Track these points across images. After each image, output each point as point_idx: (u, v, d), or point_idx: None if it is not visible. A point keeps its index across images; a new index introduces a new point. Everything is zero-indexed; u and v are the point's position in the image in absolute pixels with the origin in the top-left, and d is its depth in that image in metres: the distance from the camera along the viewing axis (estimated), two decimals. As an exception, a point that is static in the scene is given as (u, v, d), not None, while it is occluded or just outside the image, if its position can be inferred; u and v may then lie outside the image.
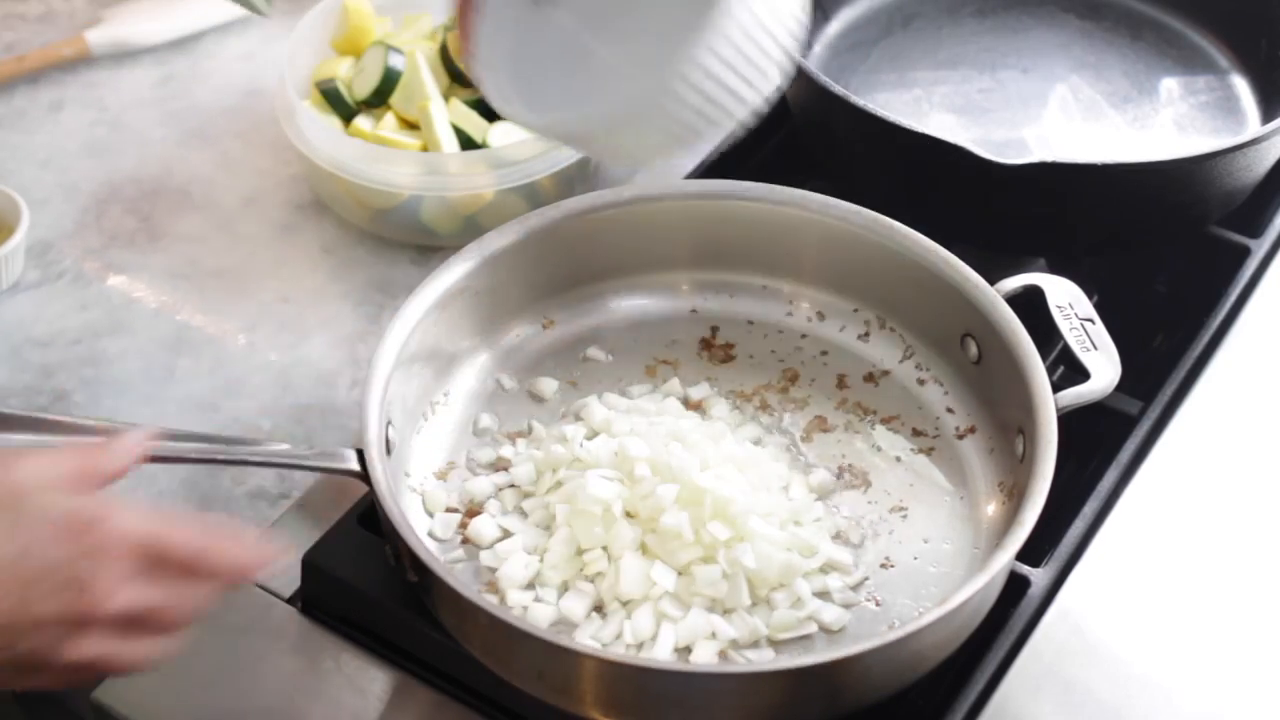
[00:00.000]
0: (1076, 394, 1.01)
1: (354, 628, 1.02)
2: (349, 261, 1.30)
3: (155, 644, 0.84)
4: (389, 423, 1.00)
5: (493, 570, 1.00)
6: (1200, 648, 1.01)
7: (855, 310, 1.15)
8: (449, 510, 1.05)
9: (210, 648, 1.00)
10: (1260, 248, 1.25)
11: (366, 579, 1.00)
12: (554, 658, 0.90)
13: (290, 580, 1.04)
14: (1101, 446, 1.10)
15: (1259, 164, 1.21)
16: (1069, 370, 1.03)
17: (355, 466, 0.96)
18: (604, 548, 0.99)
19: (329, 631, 1.02)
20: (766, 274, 1.17)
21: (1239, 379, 1.17)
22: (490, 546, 1.02)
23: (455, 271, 1.08)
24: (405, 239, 1.31)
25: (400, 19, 1.40)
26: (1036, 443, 0.97)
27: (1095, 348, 1.04)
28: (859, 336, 1.15)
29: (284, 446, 0.97)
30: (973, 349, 1.08)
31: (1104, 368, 1.03)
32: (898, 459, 1.08)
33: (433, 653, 0.99)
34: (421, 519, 1.04)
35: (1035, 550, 0.95)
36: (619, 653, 0.94)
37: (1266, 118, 1.31)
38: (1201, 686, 0.99)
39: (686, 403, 1.11)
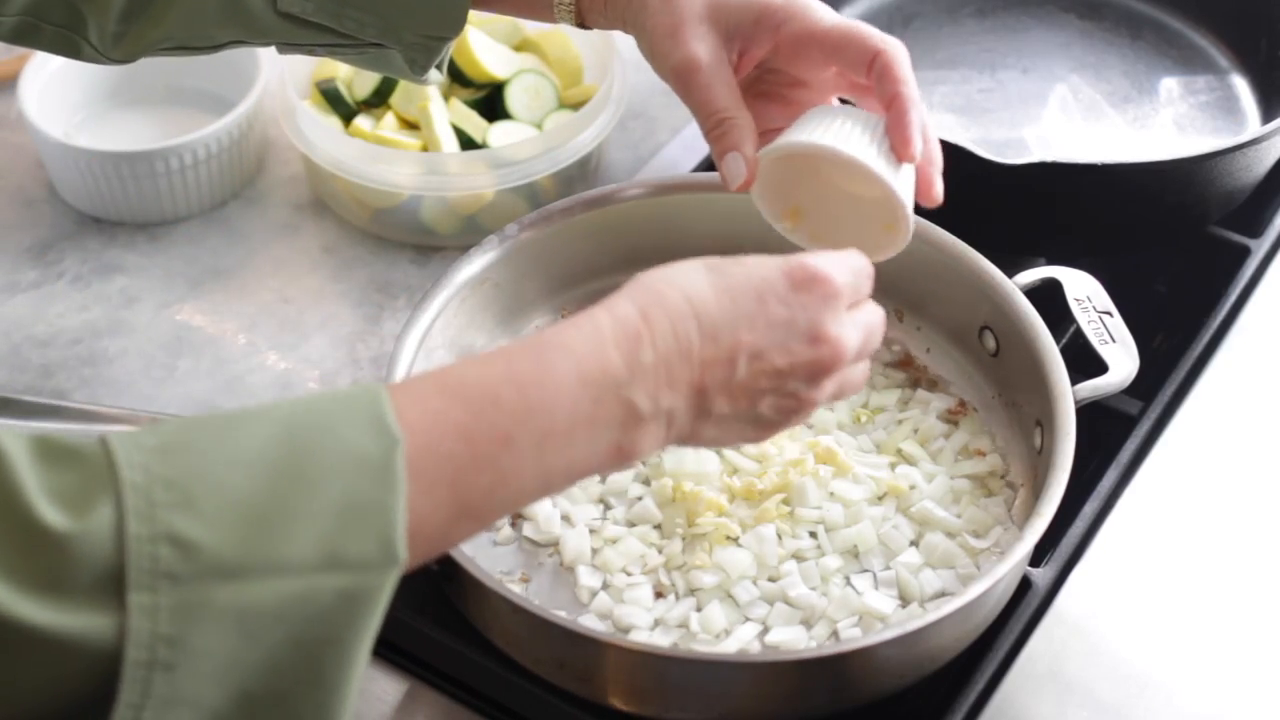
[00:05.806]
0: (1094, 386, 1.01)
1: (354, 628, 1.02)
2: (349, 261, 1.30)
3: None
4: None
5: (543, 546, 1.02)
6: (1200, 648, 1.01)
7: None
8: None
9: (210, 648, 1.00)
10: (1260, 248, 1.25)
11: (366, 579, 1.00)
12: (575, 646, 0.90)
13: (290, 580, 1.04)
14: (1101, 446, 1.10)
15: (1259, 164, 1.21)
16: (1079, 361, 1.04)
17: None
18: (684, 535, 1.01)
19: (329, 631, 1.02)
20: None
21: (1239, 379, 1.17)
22: (555, 534, 1.02)
23: (477, 263, 1.08)
24: (405, 239, 1.31)
25: (400, 19, 1.40)
26: (1055, 434, 0.97)
27: (1113, 340, 1.04)
28: None
29: None
30: (991, 341, 1.08)
31: (1122, 360, 1.03)
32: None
33: (433, 653, 0.99)
34: None
35: (1035, 550, 0.95)
36: (639, 641, 0.94)
37: (1266, 118, 1.31)
38: (1201, 686, 0.99)
39: None
